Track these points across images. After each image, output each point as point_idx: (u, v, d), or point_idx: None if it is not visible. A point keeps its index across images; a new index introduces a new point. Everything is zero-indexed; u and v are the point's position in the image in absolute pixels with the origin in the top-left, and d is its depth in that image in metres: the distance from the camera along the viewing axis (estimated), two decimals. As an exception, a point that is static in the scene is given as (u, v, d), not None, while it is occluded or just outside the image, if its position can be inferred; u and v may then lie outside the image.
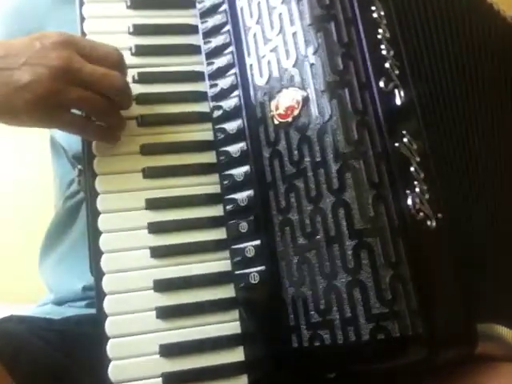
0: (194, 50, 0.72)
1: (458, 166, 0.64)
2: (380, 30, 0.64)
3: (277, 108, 0.63)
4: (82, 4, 0.72)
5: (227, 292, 0.64)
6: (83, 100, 0.61)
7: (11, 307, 1.04)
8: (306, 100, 0.60)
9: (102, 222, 0.64)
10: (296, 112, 0.61)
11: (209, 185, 0.67)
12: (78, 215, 0.82)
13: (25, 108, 0.58)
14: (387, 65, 0.62)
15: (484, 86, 0.68)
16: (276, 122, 0.63)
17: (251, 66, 0.66)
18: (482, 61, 0.69)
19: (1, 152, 1.56)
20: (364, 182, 0.57)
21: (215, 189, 0.67)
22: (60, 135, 0.83)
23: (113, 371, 0.60)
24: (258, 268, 0.62)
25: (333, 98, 0.59)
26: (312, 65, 0.61)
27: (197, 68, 0.71)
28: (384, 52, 0.63)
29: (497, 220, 0.66)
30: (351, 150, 0.58)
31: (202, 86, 0.70)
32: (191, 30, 0.73)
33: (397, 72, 0.63)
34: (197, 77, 0.71)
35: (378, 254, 0.55)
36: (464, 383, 0.64)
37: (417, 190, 0.59)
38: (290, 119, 0.61)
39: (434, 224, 0.58)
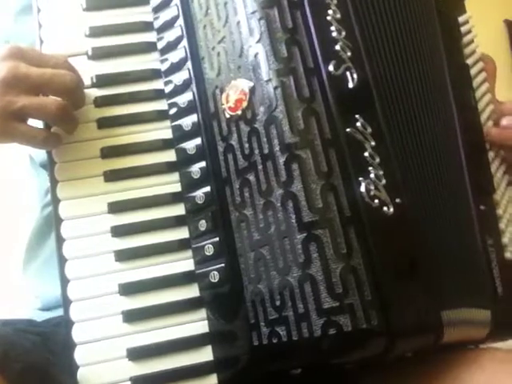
0: (150, 47, 0.70)
1: (417, 148, 0.62)
2: (330, 12, 0.61)
3: (227, 101, 0.61)
4: (39, 11, 0.71)
5: (193, 291, 0.63)
6: (34, 104, 0.60)
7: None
8: (252, 91, 0.59)
9: (65, 229, 0.64)
10: (244, 104, 0.59)
11: (171, 184, 0.66)
12: None
13: None
14: (337, 47, 0.60)
15: (442, 62, 0.65)
16: (227, 116, 0.61)
17: (203, 59, 0.65)
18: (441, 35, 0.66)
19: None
20: (312, 173, 0.55)
21: (178, 187, 0.66)
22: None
23: (81, 377, 0.60)
24: (218, 266, 0.61)
25: (277, 87, 0.57)
26: (256, 54, 0.59)
27: (154, 65, 0.70)
28: (334, 34, 0.60)
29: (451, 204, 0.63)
30: (297, 140, 0.56)
31: (160, 84, 0.69)
32: (147, 27, 0.71)
33: (349, 54, 0.60)
34: (154, 75, 0.69)
35: (328, 246, 0.53)
36: (445, 376, 0.62)
37: (371, 176, 0.56)
38: (239, 112, 0.60)
39: (391, 210, 0.56)
